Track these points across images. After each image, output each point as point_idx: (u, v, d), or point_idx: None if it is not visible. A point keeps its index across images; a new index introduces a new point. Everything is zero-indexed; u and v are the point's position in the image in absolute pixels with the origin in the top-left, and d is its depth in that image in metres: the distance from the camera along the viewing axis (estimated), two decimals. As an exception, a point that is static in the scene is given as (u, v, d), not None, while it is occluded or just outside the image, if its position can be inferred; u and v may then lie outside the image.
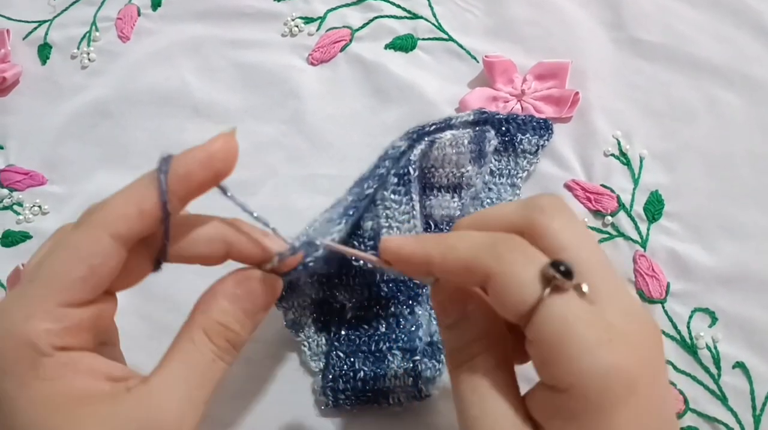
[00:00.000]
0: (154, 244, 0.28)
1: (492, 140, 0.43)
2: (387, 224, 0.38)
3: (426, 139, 0.40)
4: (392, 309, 0.41)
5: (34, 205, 0.49)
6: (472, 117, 0.44)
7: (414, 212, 0.39)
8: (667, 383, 0.27)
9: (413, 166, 0.39)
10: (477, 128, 0.43)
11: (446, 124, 0.42)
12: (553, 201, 0.27)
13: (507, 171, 0.45)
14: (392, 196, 0.38)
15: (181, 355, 0.28)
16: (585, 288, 0.25)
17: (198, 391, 0.28)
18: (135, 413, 0.26)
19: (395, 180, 0.38)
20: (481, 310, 0.28)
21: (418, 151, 0.39)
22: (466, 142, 0.41)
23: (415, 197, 0.39)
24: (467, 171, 0.42)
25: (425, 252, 0.28)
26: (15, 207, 0.50)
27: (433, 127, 0.41)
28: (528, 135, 0.45)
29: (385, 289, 0.41)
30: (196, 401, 0.27)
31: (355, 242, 0.38)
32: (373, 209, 0.38)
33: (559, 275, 0.24)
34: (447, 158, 0.41)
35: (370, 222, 0.38)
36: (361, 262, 0.38)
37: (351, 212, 0.37)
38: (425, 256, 0.28)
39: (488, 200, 0.44)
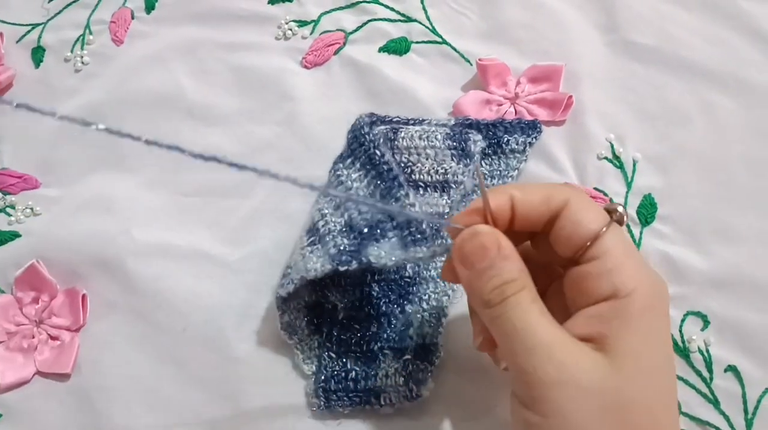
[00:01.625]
0: None
1: (478, 142, 0.43)
2: (340, 188, 0.40)
3: (389, 125, 0.41)
4: (383, 309, 0.41)
5: (26, 208, 0.49)
6: (452, 121, 0.45)
7: (363, 173, 0.40)
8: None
9: (369, 135, 0.41)
10: (456, 128, 0.43)
11: (415, 121, 0.43)
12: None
13: (498, 172, 0.45)
14: (342, 166, 0.41)
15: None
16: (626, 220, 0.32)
17: None
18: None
19: (348, 152, 0.41)
20: (516, 253, 0.31)
21: (376, 129, 0.41)
22: (439, 137, 0.42)
23: (365, 160, 0.41)
24: (450, 168, 0.42)
25: (507, 192, 0.31)
26: (7, 209, 0.49)
27: (397, 118, 0.43)
28: (515, 135, 0.45)
29: (376, 289, 0.41)
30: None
31: (345, 240, 0.38)
32: (329, 185, 0.40)
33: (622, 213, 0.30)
34: (421, 151, 0.42)
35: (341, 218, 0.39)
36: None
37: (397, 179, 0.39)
38: (508, 195, 0.31)
39: None
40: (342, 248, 0.38)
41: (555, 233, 0.31)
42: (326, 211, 0.40)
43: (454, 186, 0.43)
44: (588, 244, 0.29)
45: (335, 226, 0.39)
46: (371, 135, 0.41)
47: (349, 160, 0.41)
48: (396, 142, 0.42)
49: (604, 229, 0.29)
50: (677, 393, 0.31)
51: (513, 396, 0.30)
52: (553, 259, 0.32)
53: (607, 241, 0.29)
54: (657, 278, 0.30)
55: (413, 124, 0.43)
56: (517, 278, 0.30)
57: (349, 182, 0.40)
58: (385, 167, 0.39)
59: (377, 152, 0.40)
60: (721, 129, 0.46)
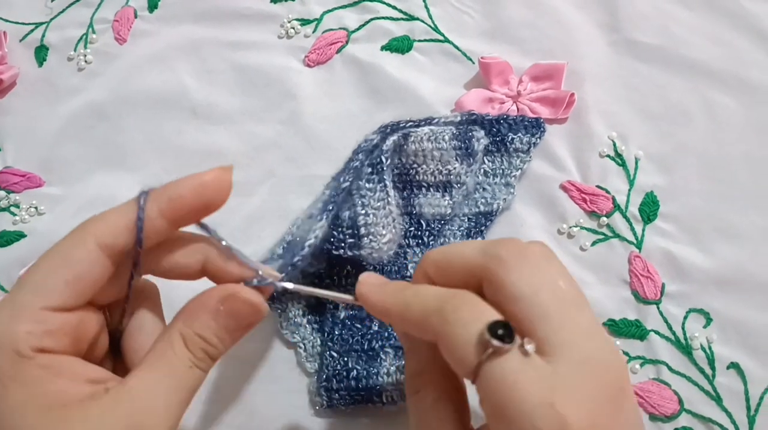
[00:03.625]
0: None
1: (481, 139, 0.43)
2: (363, 212, 0.39)
3: (400, 132, 0.41)
4: None
5: (30, 207, 0.49)
6: (458, 118, 0.44)
7: (389, 199, 0.40)
8: (633, 421, 0.26)
9: (385, 155, 0.40)
10: (461, 126, 0.43)
11: (426, 122, 0.43)
12: (513, 248, 0.27)
13: (500, 171, 0.45)
14: (366, 184, 0.39)
15: (161, 359, 0.28)
16: (529, 348, 0.25)
17: (175, 394, 0.28)
18: (115, 413, 0.26)
19: (369, 170, 0.40)
20: (423, 347, 0.29)
21: (390, 141, 0.40)
22: (446, 137, 0.42)
23: (389, 184, 0.40)
24: (454, 168, 0.43)
25: (385, 308, 0.29)
26: (12, 209, 0.50)
27: (410, 123, 0.42)
28: (519, 134, 0.45)
29: None
30: (173, 404, 0.28)
31: (335, 232, 0.39)
32: (350, 199, 0.39)
33: (496, 339, 0.24)
34: (428, 154, 0.42)
35: (347, 212, 0.39)
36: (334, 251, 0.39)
37: (330, 207, 0.38)
38: (385, 311, 0.29)
39: (482, 200, 0.45)
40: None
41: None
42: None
43: (456, 186, 0.43)
44: (472, 381, 0.26)
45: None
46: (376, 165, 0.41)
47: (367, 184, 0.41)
48: (405, 147, 0.42)
49: (479, 369, 0.25)
50: None
51: None
52: None
53: (480, 385, 0.25)
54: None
55: (423, 125, 0.43)
56: (418, 374, 0.30)
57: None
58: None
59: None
60: (723, 128, 0.46)
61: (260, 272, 0.30)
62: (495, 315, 0.25)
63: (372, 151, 0.40)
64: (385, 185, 0.40)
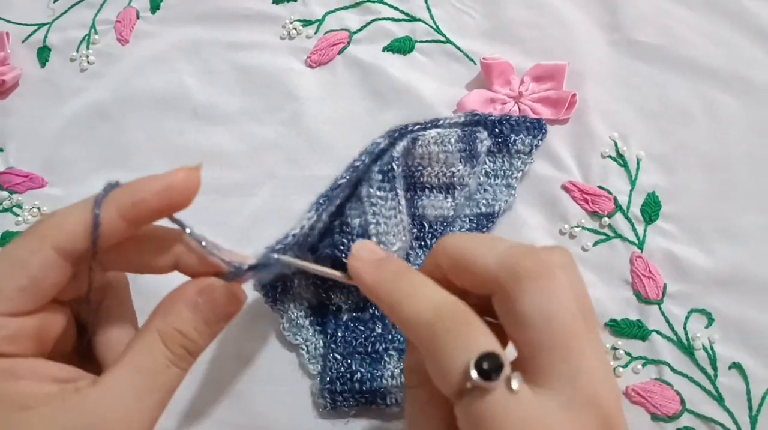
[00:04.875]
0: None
1: (485, 141, 0.43)
2: (375, 221, 0.39)
3: (409, 136, 0.41)
4: None
5: (33, 207, 0.50)
6: (462, 119, 0.44)
7: (400, 208, 0.40)
8: None
9: (396, 162, 0.40)
10: (466, 128, 0.43)
11: (432, 124, 0.43)
12: (532, 265, 0.26)
13: (502, 172, 0.45)
14: (378, 192, 0.39)
15: (135, 358, 0.28)
16: (515, 385, 0.24)
17: (148, 395, 0.27)
18: (80, 413, 0.26)
19: (380, 177, 0.39)
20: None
21: (400, 147, 0.40)
22: (452, 140, 0.42)
23: (400, 193, 0.40)
24: (458, 170, 0.43)
25: (377, 294, 0.28)
26: (15, 209, 0.50)
27: (417, 126, 0.42)
28: (521, 135, 0.45)
29: None
30: (148, 405, 0.27)
31: (344, 239, 0.39)
32: (360, 206, 0.39)
33: (482, 375, 0.23)
34: (434, 156, 0.42)
35: (357, 219, 0.39)
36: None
37: (322, 201, 0.38)
38: (376, 298, 0.28)
39: (484, 201, 0.45)
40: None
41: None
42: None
43: (459, 188, 0.43)
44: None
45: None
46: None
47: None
48: (413, 150, 0.42)
49: (460, 398, 0.24)
50: None
51: None
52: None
53: (459, 415, 0.25)
54: None
55: (430, 127, 0.43)
56: (413, 371, 0.29)
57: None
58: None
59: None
60: (724, 127, 0.46)
61: (231, 261, 0.29)
62: (487, 345, 0.24)
63: (380, 156, 0.40)
64: (397, 194, 0.40)
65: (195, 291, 0.29)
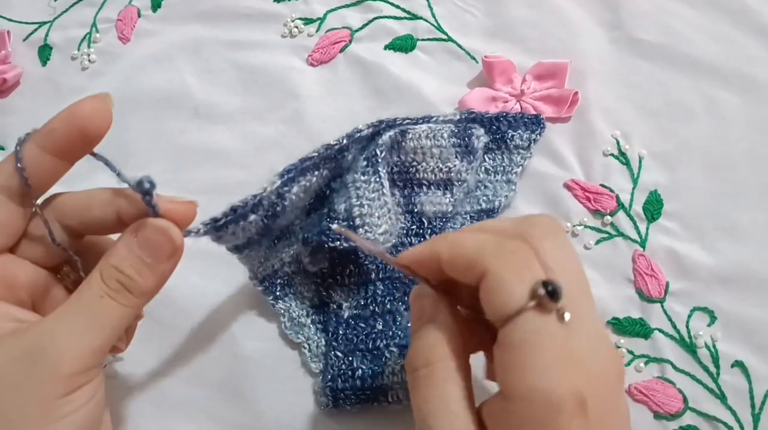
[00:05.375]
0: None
1: (481, 137, 0.43)
2: (358, 203, 0.39)
3: (398, 128, 0.41)
4: (388, 306, 0.41)
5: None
6: (457, 116, 0.45)
7: (383, 190, 0.40)
8: (625, 413, 0.28)
9: (380, 148, 0.40)
10: (460, 124, 0.43)
11: (423, 120, 0.43)
12: (548, 222, 0.29)
13: (501, 168, 0.45)
14: (362, 177, 0.39)
15: (76, 294, 0.30)
16: (567, 317, 0.26)
17: (85, 322, 0.29)
18: (24, 339, 0.29)
19: (364, 163, 0.40)
20: (449, 321, 0.30)
21: (386, 136, 0.41)
22: (445, 135, 0.42)
23: (383, 175, 0.40)
24: (454, 166, 0.43)
25: (435, 249, 0.30)
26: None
27: (407, 120, 0.42)
28: (519, 131, 0.45)
29: (381, 287, 0.41)
30: (81, 332, 0.29)
31: (331, 225, 0.39)
32: (345, 192, 0.39)
33: (547, 295, 0.25)
34: (427, 151, 0.42)
35: (343, 204, 0.39)
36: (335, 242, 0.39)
37: (290, 169, 0.38)
38: (435, 252, 0.29)
39: (484, 197, 0.45)
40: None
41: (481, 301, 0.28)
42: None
43: (457, 184, 0.43)
44: (499, 325, 0.27)
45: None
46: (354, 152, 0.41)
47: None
48: (403, 144, 0.42)
49: (518, 315, 0.26)
50: None
51: None
52: None
53: (512, 330, 0.26)
54: (563, 389, 0.25)
55: (421, 123, 0.43)
56: (437, 345, 0.29)
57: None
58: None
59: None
60: (726, 125, 0.46)
61: (153, 199, 0.30)
62: (541, 273, 0.26)
63: (366, 146, 0.41)
64: (380, 177, 0.40)
65: (130, 231, 0.31)
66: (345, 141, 0.40)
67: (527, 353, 0.25)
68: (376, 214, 0.39)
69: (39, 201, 0.32)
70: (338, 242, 0.38)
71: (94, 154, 0.32)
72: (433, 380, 0.29)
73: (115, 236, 0.32)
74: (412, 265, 0.31)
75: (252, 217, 0.36)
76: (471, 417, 0.28)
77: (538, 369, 0.25)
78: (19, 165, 0.30)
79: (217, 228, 0.35)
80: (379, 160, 0.40)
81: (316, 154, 0.39)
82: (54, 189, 0.33)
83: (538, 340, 0.25)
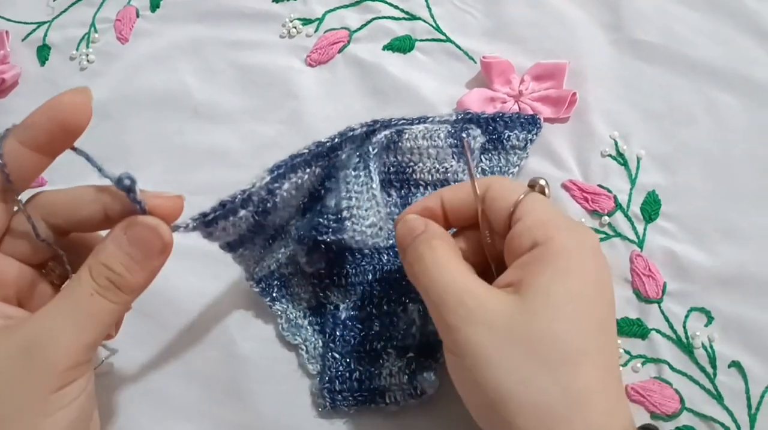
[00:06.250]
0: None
1: (477, 137, 0.43)
2: (347, 197, 0.39)
3: (393, 128, 0.41)
4: (385, 308, 0.41)
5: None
6: (453, 117, 0.45)
7: (372, 184, 0.40)
8: (607, 271, 0.34)
9: (373, 145, 0.40)
10: (456, 125, 0.43)
11: (419, 120, 0.43)
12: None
13: (498, 168, 0.45)
14: (352, 172, 0.39)
15: (66, 291, 0.31)
16: (547, 192, 0.36)
17: (74, 319, 0.30)
18: (15, 336, 0.29)
19: (356, 159, 0.40)
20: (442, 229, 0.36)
21: (381, 135, 0.41)
22: (442, 135, 0.42)
23: (373, 170, 0.40)
24: (451, 166, 0.43)
25: (437, 194, 0.37)
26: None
27: (402, 120, 0.43)
28: (516, 131, 0.45)
29: (378, 288, 0.41)
30: (72, 328, 0.29)
31: (321, 220, 0.39)
32: (337, 187, 0.39)
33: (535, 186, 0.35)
34: (423, 151, 0.42)
35: (333, 200, 0.39)
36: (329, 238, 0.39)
37: (280, 164, 0.38)
38: (438, 196, 0.36)
39: None
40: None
41: (486, 211, 0.35)
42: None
43: (454, 184, 0.43)
44: (511, 209, 0.34)
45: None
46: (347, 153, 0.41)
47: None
48: (400, 144, 0.42)
49: (522, 196, 0.34)
50: (610, 320, 0.33)
51: (443, 345, 0.33)
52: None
53: (527, 205, 0.34)
54: (578, 228, 0.34)
55: (417, 123, 0.43)
56: (426, 228, 0.35)
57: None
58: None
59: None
60: (726, 127, 0.46)
61: (142, 202, 0.30)
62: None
63: (360, 145, 0.41)
64: (370, 171, 0.40)
65: (120, 228, 0.31)
66: (337, 139, 0.40)
67: (548, 212, 0.34)
68: (364, 206, 0.39)
69: (22, 197, 0.32)
70: (326, 235, 0.39)
71: (74, 149, 0.32)
72: (435, 250, 0.34)
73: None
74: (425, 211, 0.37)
75: (242, 212, 0.36)
76: (468, 266, 0.34)
77: (563, 220, 0.34)
78: (3, 166, 0.30)
79: (206, 223, 0.35)
80: (371, 156, 0.40)
81: (307, 150, 0.39)
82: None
83: (548, 206, 0.34)
